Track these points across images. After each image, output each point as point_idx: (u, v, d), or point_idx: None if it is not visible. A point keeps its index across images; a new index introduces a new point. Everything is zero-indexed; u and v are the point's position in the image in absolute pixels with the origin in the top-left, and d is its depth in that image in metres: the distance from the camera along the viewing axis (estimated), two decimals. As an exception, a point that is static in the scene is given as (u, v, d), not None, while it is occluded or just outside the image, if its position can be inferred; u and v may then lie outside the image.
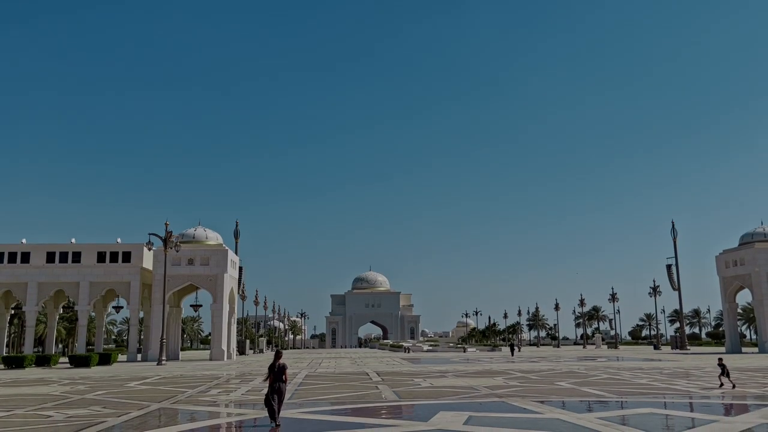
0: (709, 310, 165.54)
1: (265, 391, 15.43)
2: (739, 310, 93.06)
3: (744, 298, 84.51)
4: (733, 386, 23.50)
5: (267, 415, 15.29)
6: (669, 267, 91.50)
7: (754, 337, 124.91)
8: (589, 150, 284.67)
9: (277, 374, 15.21)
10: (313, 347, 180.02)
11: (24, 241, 65.99)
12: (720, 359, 24.62)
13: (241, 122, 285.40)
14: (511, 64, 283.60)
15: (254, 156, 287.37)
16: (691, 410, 17.91)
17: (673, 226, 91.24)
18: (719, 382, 23.81)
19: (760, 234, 74.88)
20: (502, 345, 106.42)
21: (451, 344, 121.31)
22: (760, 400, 19.95)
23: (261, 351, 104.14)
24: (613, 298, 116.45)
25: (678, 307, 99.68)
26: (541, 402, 19.25)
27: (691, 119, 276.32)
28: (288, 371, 15.83)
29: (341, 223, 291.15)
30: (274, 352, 16.05)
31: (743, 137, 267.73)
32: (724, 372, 23.58)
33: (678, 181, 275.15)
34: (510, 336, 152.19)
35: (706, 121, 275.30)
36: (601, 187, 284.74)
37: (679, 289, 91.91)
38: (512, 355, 71.06)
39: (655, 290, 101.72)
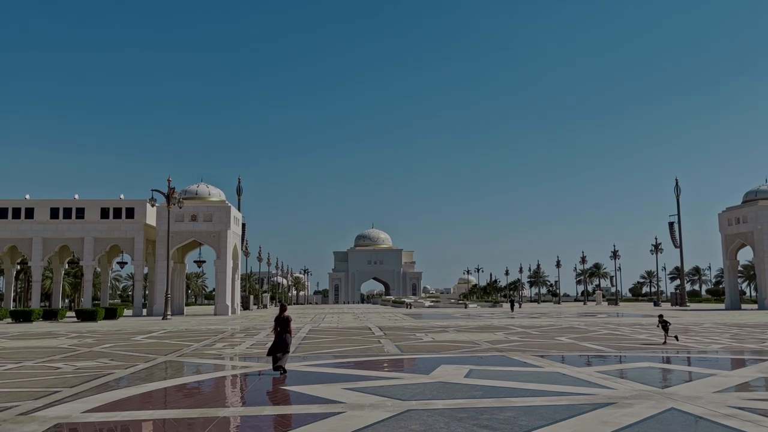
0: (709, 267, 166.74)
1: (269, 343, 15.98)
2: (740, 268, 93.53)
3: (744, 255, 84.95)
4: (676, 338, 24.49)
5: (271, 367, 15.90)
6: (671, 225, 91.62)
7: (753, 294, 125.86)
8: (591, 106, 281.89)
9: (282, 326, 15.78)
10: (316, 303, 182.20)
11: (28, 196, 66.24)
12: (660, 316, 24.90)
13: (244, 78, 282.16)
14: (514, 17, 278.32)
15: (256, 112, 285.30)
16: (689, 364, 18.14)
17: (676, 183, 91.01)
18: (664, 339, 23.92)
19: (763, 191, 74.65)
20: (503, 301, 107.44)
21: (453, 300, 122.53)
22: (757, 355, 20.20)
23: (265, 306, 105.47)
24: (615, 255, 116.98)
25: (679, 265, 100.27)
26: (541, 356, 19.51)
27: (695, 74, 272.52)
28: (292, 324, 16.36)
29: (344, 181, 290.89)
30: (278, 306, 16.60)
31: (748, 94, 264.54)
32: (666, 328, 23.81)
33: (681, 138, 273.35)
34: (511, 292, 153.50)
35: (711, 77, 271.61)
36: (604, 143, 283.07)
37: (680, 247, 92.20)
38: (512, 310, 71.92)
39: (656, 247, 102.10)
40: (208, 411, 10.83)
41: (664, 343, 23.50)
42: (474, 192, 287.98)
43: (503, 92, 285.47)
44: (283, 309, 16.35)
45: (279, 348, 15.62)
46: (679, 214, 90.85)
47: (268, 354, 15.97)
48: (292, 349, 19.52)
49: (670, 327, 24.33)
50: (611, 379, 14.11)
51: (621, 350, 21.57)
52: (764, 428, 8.91)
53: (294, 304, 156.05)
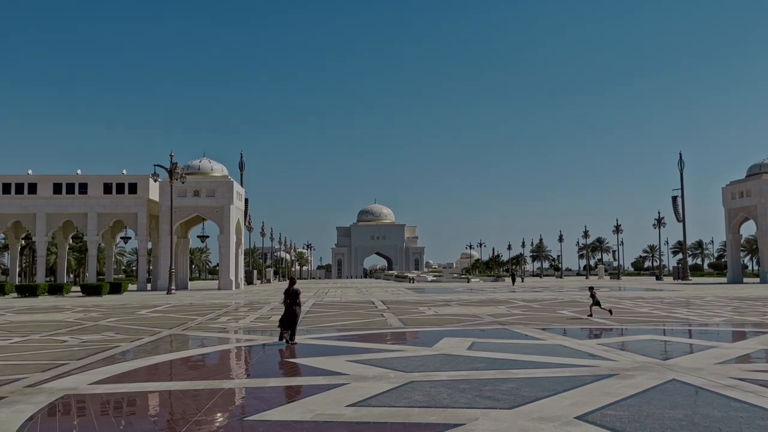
0: (712, 241, 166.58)
1: (278, 316, 16.41)
2: (742, 242, 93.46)
3: (747, 230, 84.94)
4: (610, 312, 23.98)
5: (276, 340, 16.32)
6: (674, 198, 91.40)
7: (756, 267, 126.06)
8: (593, 78, 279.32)
9: (291, 298, 16.31)
10: (320, 278, 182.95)
11: (30, 172, 66.22)
12: (590, 288, 24.96)
13: (247, 53, 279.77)
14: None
15: (259, 87, 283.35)
16: (690, 337, 18.27)
17: (680, 157, 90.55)
18: (589, 312, 24.00)
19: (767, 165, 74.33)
20: (505, 276, 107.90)
21: (455, 275, 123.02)
22: (758, 327, 20.31)
23: (268, 281, 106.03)
24: (617, 229, 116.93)
25: (681, 239, 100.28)
26: (543, 329, 19.64)
27: (700, 46, 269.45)
28: (301, 297, 16.95)
29: (346, 156, 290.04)
30: (288, 280, 17.61)
31: (753, 67, 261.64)
32: (594, 301, 23.87)
33: (686, 111, 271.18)
34: (513, 267, 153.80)
35: (715, 50, 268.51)
36: (607, 116, 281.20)
37: (683, 221, 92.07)
38: (513, 284, 72.29)
39: (659, 222, 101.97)
40: (213, 383, 10.94)
41: (590, 316, 23.57)
42: (476, 167, 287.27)
43: (505, 63, 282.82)
44: (292, 282, 16.94)
45: (288, 319, 16.12)
46: (682, 188, 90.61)
47: (279, 325, 16.41)
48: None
49: (599, 301, 24.39)
50: (613, 351, 14.22)
51: (623, 323, 21.68)
52: (765, 399, 8.98)
53: (297, 279, 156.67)
